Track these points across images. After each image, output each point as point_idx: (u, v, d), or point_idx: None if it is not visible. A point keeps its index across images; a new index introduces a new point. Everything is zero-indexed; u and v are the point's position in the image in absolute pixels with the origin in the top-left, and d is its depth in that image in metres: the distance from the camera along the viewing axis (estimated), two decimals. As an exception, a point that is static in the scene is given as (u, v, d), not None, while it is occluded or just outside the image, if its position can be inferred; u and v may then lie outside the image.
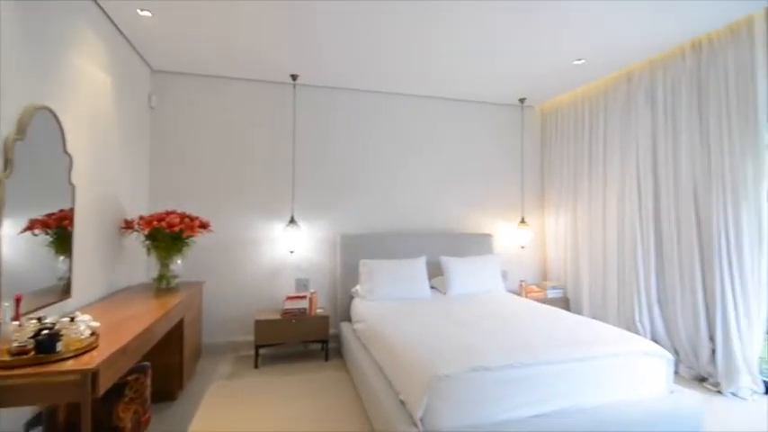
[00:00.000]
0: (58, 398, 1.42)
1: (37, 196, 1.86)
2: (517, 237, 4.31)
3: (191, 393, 2.70)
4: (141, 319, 2.00)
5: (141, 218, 2.78)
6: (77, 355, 1.43)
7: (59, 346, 1.41)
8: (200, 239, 3.01)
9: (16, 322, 1.41)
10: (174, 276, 2.86)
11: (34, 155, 1.81)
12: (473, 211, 4.32)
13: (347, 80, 3.72)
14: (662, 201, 3.13)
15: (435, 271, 3.81)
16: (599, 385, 2.01)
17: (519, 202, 4.45)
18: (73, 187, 2.13)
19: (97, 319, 1.66)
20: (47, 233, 1.91)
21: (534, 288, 4.16)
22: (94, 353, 1.47)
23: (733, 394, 2.61)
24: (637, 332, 3.19)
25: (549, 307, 3.04)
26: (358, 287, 3.47)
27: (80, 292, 2.21)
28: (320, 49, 3.04)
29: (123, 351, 1.60)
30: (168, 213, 2.79)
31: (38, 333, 1.39)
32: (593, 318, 3.62)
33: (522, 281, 4.15)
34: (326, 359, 3.35)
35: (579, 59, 3.25)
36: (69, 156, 2.10)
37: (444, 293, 3.54)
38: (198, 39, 2.89)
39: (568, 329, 2.38)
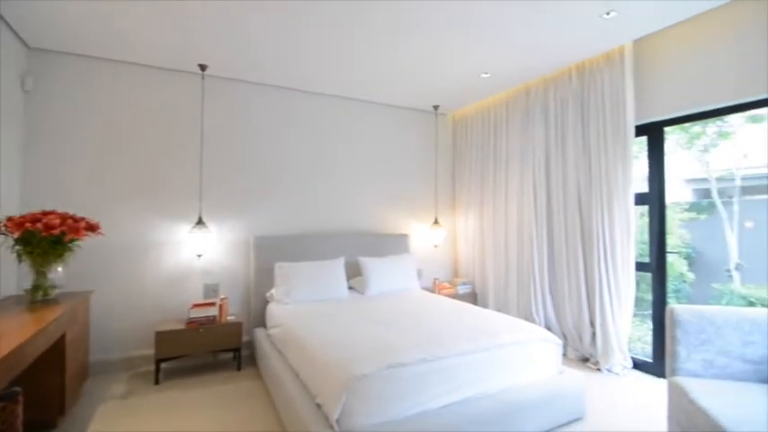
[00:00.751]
0: None
1: None
2: (431, 236, 4.51)
3: (75, 419, 2.36)
4: (9, 337, 1.69)
5: (9, 219, 2.35)
6: None
7: None
8: (88, 243, 2.63)
9: None
10: (54, 286, 2.45)
11: None
12: (391, 212, 4.43)
13: (265, 75, 3.56)
14: (553, 203, 3.52)
15: (354, 271, 3.84)
16: (502, 371, 2.19)
17: (433, 203, 4.67)
18: None
19: (-56, 341, 1.36)
20: None
21: (446, 285, 4.39)
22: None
23: (609, 370, 3.03)
24: (533, 321, 3.55)
25: (459, 302, 3.24)
26: (273, 291, 3.34)
27: None
28: (234, 40, 2.87)
29: (-18, 377, 1.34)
30: (46, 214, 2.38)
31: None
32: (498, 310, 3.95)
33: (435, 278, 4.36)
34: (239, 368, 3.17)
35: (486, 73, 3.52)
36: None
37: (362, 293, 3.57)
38: (79, 14, 2.54)
39: (476, 322, 2.55)
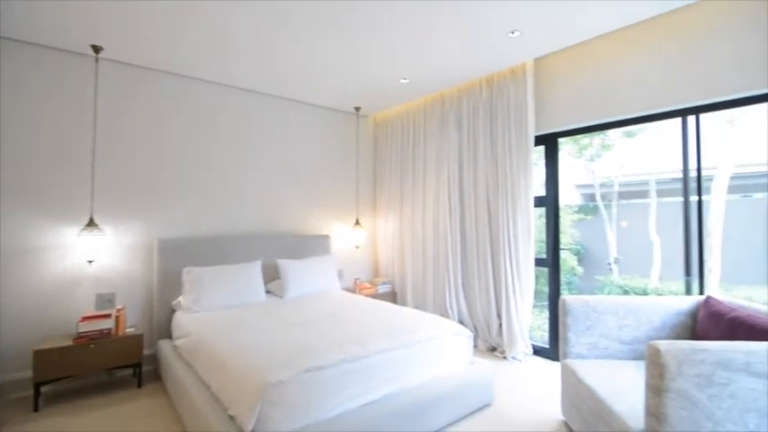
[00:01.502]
0: None
1: None
2: (352, 237, 4.53)
3: None
4: None
5: None
6: None
7: None
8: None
9: None
10: None
11: None
12: (312, 213, 4.36)
13: (175, 64, 3.27)
14: (465, 205, 3.76)
15: (273, 274, 3.70)
16: (419, 366, 2.28)
17: (354, 204, 4.70)
18: None
19: None
20: None
21: (367, 285, 4.45)
22: None
23: (513, 358, 3.31)
24: (448, 316, 3.75)
25: (379, 301, 3.29)
26: (181, 298, 3.08)
27: None
28: (134, 20, 2.59)
29: None
30: None
31: None
32: (416, 307, 4.10)
33: (356, 279, 4.38)
34: (140, 385, 2.87)
35: (405, 79, 3.64)
36: None
37: (281, 297, 3.46)
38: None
39: (395, 320, 2.62)
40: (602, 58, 3.00)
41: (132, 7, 2.42)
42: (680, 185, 2.71)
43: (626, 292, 4.37)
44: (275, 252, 3.84)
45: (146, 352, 3.10)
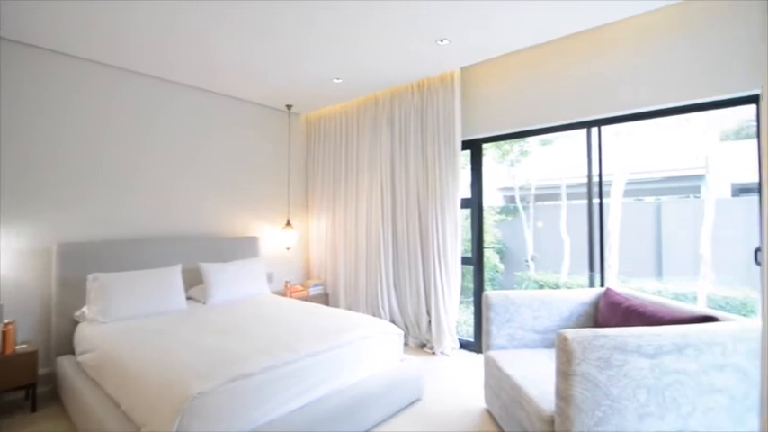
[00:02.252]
0: None
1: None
2: (283, 239, 4.40)
3: None
4: None
5: None
6: None
7: None
8: None
9: None
10: None
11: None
12: (240, 214, 4.16)
13: (87, 49, 2.92)
14: (397, 207, 3.84)
15: (196, 279, 3.47)
16: (351, 367, 2.28)
17: (285, 204, 4.57)
18: None
19: None
20: None
21: (298, 287, 4.35)
22: None
23: (441, 353, 3.45)
24: (380, 315, 3.80)
25: (310, 304, 3.24)
26: (85, 309, 2.76)
27: None
28: (25, -3, 2.27)
29: None
30: None
31: None
32: (348, 308, 4.10)
33: (287, 281, 4.27)
34: (34, 409, 2.51)
35: (338, 79, 3.62)
36: None
37: (204, 303, 3.25)
38: None
39: (326, 322, 2.59)
40: (521, 70, 3.24)
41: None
42: (585, 190, 3.02)
43: (541, 287, 4.77)
44: (199, 255, 3.60)
45: (41, 371, 2.74)
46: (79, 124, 3.11)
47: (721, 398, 1.55)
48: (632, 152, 4.83)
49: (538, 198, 5.58)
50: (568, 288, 3.80)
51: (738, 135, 4.36)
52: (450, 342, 3.46)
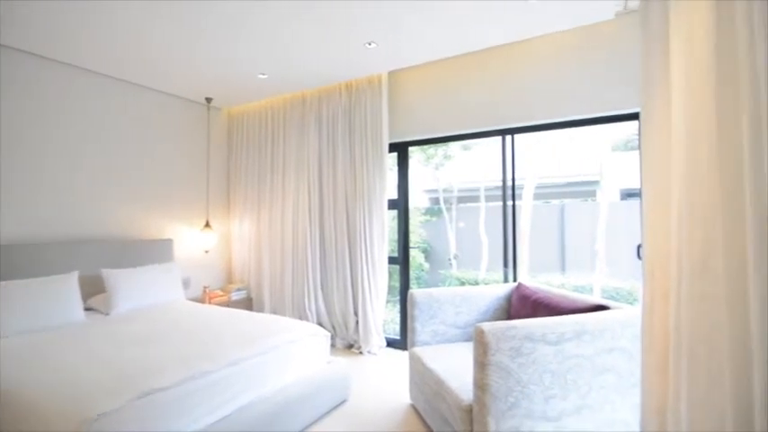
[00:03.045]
0: None
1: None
2: (201, 241, 4.13)
3: None
4: None
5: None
6: None
7: None
8: None
9: None
10: None
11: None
12: (152, 214, 3.81)
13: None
14: (325, 206, 3.80)
15: (98, 288, 3.10)
16: (275, 373, 2.21)
17: (204, 204, 4.29)
18: None
19: None
20: None
21: (219, 292, 4.10)
22: None
23: (369, 352, 3.49)
24: (306, 317, 3.74)
25: (232, 310, 3.08)
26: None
27: None
28: None
29: None
30: None
31: None
32: (274, 312, 3.97)
33: (205, 286, 4.00)
34: None
35: (263, 74, 3.49)
36: None
37: (107, 314, 2.91)
38: None
39: (248, 327, 2.48)
40: (446, 79, 3.39)
41: None
42: (500, 192, 3.26)
43: (462, 284, 5.05)
44: (104, 260, 3.23)
45: None
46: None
47: (611, 377, 1.77)
48: (541, 159, 5.32)
49: (460, 200, 5.90)
50: (486, 284, 4.07)
51: (626, 146, 5.02)
52: (377, 341, 3.51)
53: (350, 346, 3.66)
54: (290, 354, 2.33)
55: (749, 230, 1.08)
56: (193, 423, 1.75)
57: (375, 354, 3.47)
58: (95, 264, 3.19)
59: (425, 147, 5.26)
